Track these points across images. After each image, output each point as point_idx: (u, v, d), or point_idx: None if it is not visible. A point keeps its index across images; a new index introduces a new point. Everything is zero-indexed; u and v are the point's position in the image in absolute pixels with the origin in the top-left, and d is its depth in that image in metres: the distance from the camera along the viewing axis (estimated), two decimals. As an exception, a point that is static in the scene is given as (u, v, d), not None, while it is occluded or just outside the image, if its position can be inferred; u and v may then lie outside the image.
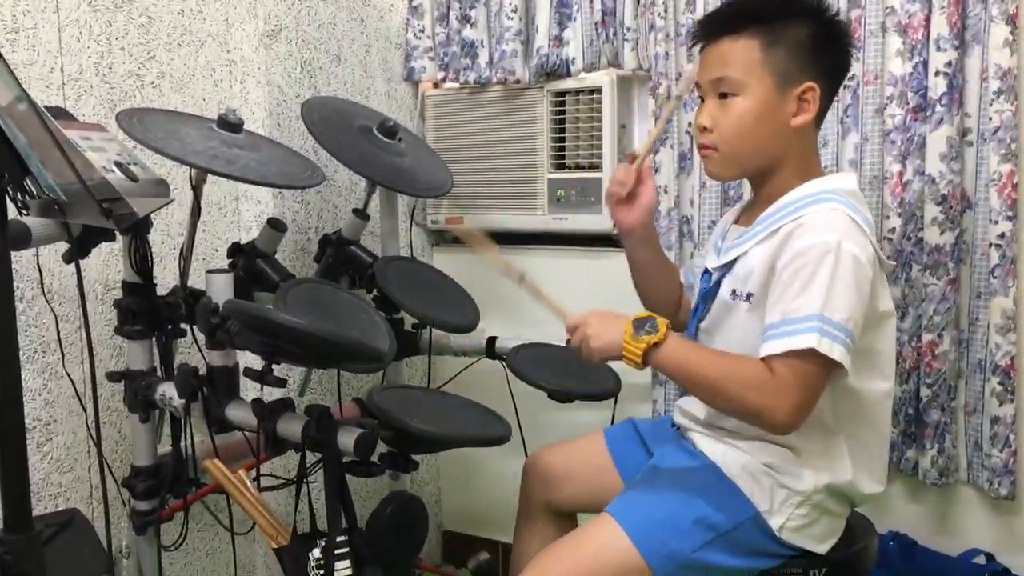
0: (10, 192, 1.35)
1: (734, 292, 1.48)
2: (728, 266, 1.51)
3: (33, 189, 1.31)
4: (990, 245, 1.87)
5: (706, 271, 1.58)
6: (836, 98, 1.96)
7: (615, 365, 1.99)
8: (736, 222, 1.60)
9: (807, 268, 1.34)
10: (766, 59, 1.44)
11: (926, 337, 1.93)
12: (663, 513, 1.46)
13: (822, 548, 1.49)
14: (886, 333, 1.47)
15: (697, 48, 1.54)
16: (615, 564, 1.44)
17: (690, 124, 2.16)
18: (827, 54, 1.47)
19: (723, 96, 1.47)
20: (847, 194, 1.44)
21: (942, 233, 1.90)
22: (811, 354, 1.32)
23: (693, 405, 1.58)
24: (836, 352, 1.32)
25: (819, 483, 1.45)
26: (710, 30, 1.50)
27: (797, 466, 1.45)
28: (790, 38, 1.44)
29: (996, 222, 1.85)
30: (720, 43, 1.48)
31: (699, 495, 1.47)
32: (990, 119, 1.84)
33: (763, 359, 1.36)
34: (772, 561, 1.48)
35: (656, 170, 2.21)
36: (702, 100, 1.53)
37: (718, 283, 1.52)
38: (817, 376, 1.34)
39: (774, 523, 1.45)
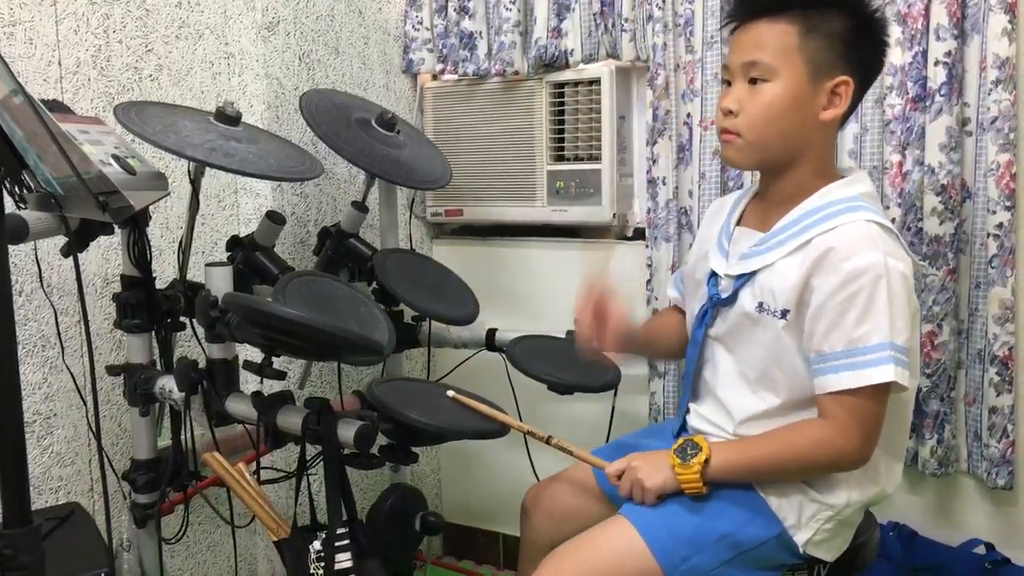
0: (7, 186, 1.35)
1: (761, 305, 1.43)
2: (748, 276, 1.46)
3: (31, 183, 1.31)
4: (988, 235, 1.86)
5: (714, 274, 1.53)
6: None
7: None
8: (740, 223, 1.55)
9: (863, 293, 1.32)
10: (802, 46, 1.39)
11: (926, 327, 1.93)
12: (687, 528, 1.42)
13: (834, 556, 1.47)
14: (917, 332, 1.45)
15: (728, 29, 1.49)
16: (632, 568, 1.41)
17: (689, 115, 2.16)
18: (864, 49, 1.43)
19: (753, 81, 1.42)
20: (868, 198, 1.42)
21: (941, 223, 1.90)
22: (884, 386, 1.31)
23: (716, 412, 1.54)
24: (905, 378, 1.32)
25: (852, 499, 1.42)
26: (748, 10, 1.45)
27: (831, 481, 1.42)
28: (828, 28, 1.40)
29: (994, 212, 1.85)
30: (757, 25, 1.42)
31: (725, 509, 1.43)
32: (988, 109, 1.84)
33: (828, 393, 1.35)
34: (785, 569, 1.47)
35: (654, 162, 2.21)
36: (727, 84, 1.47)
37: (735, 292, 1.47)
38: (881, 406, 1.34)
39: (800, 538, 1.42)
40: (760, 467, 1.42)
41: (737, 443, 1.46)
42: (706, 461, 1.40)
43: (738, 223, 1.56)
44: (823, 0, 1.42)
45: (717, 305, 1.51)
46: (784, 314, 1.41)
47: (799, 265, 1.39)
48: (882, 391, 1.33)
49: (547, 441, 1.58)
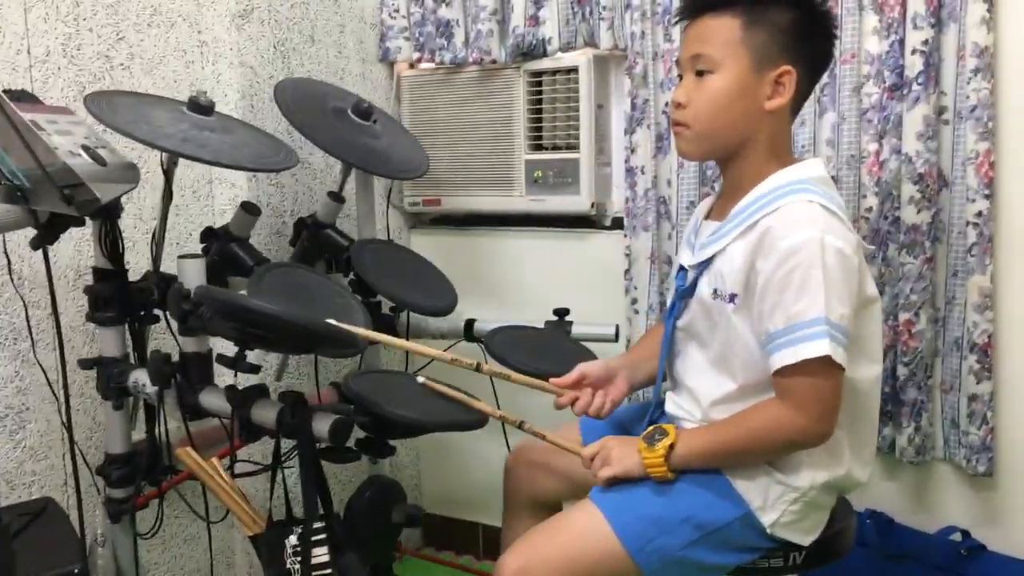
0: (-27, 178, 1.33)
1: (716, 292, 1.46)
2: (705, 264, 1.49)
3: (-3, 175, 1.29)
4: (967, 224, 1.86)
5: (682, 268, 1.57)
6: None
7: (594, 347, 2.00)
8: (708, 217, 1.58)
9: (799, 269, 1.33)
10: (745, 39, 1.42)
11: (903, 316, 1.94)
12: (652, 510, 1.44)
13: (808, 540, 1.48)
14: (873, 317, 1.46)
15: (680, 25, 1.53)
16: (598, 551, 1.43)
17: (667, 105, 2.15)
18: (808, 40, 1.46)
19: (700, 74, 1.46)
20: (817, 181, 1.43)
21: (918, 212, 1.90)
22: (822, 360, 1.32)
23: (686, 399, 1.56)
24: (839, 355, 1.33)
25: (816, 480, 1.43)
26: (693, 7, 1.49)
27: (795, 462, 1.43)
28: (771, 20, 1.43)
29: (973, 200, 1.85)
30: (702, 20, 1.47)
31: (689, 491, 1.45)
32: (967, 97, 1.84)
33: (776, 372, 1.36)
34: (759, 554, 1.47)
35: (632, 151, 2.20)
36: (680, 78, 1.51)
37: (695, 281, 1.50)
38: (831, 381, 1.35)
39: (766, 520, 1.43)
40: (723, 452, 1.44)
41: (702, 430, 1.48)
42: (671, 447, 1.42)
43: (706, 218, 1.59)
44: None
45: (683, 296, 1.54)
46: (733, 298, 1.43)
47: (745, 248, 1.41)
48: (828, 365, 1.33)
49: (520, 426, 1.58)
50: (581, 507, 1.48)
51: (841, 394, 1.37)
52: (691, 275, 1.52)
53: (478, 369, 1.62)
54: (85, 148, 1.47)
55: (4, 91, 1.58)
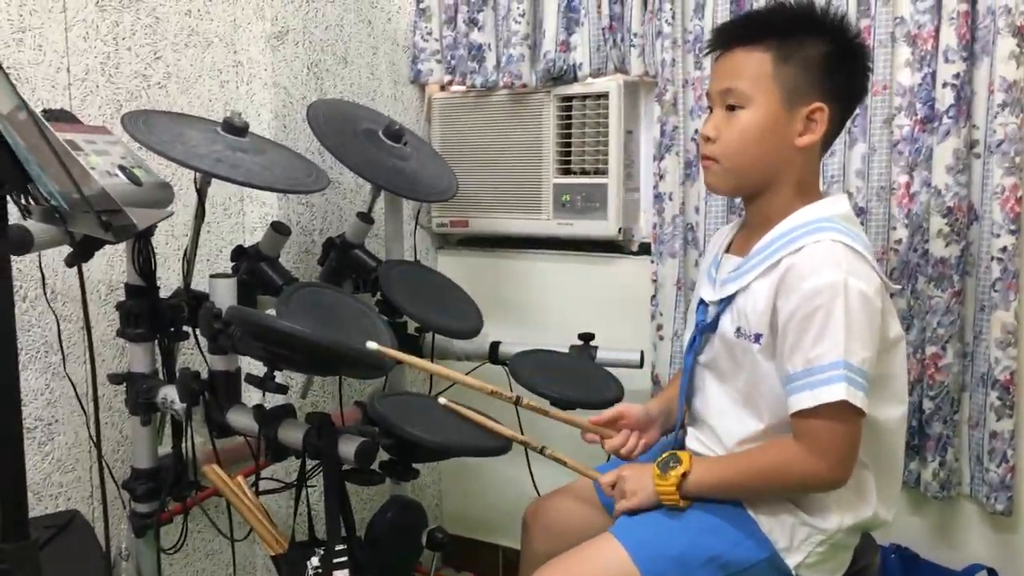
0: (13, 196, 1.35)
1: (739, 330, 1.45)
2: (728, 300, 1.48)
3: (37, 195, 1.31)
4: (992, 258, 1.85)
5: (702, 302, 1.55)
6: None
7: (618, 372, 2.00)
8: (729, 250, 1.57)
9: (820, 312, 1.32)
10: (776, 74, 1.41)
11: (930, 349, 1.92)
12: (675, 548, 1.42)
13: None
14: (898, 357, 1.45)
15: (712, 56, 1.53)
16: None
17: (696, 132, 2.15)
18: (841, 75, 1.44)
19: (730, 108, 1.45)
20: (842, 219, 1.42)
21: (947, 245, 1.89)
22: (840, 404, 1.31)
23: (709, 437, 1.54)
24: (858, 399, 1.32)
25: (844, 523, 1.42)
26: (725, 39, 1.48)
27: (823, 505, 1.42)
28: (804, 55, 1.42)
29: (998, 235, 1.84)
30: (733, 53, 1.46)
31: (714, 530, 1.44)
32: (995, 132, 1.83)
33: (794, 414, 1.35)
34: None
35: (661, 177, 2.21)
36: (710, 110, 1.51)
37: (717, 317, 1.49)
38: (849, 426, 1.34)
39: (791, 561, 1.42)
40: (734, 484, 1.45)
41: (715, 460, 1.49)
42: (684, 475, 1.42)
43: (726, 251, 1.58)
44: (799, 28, 1.43)
45: (704, 332, 1.53)
46: (758, 338, 1.42)
47: (768, 287, 1.40)
48: (845, 410, 1.32)
49: (541, 451, 1.60)
50: (603, 541, 1.46)
51: (858, 440, 1.36)
52: (712, 311, 1.51)
53: (518, 403, 1.62)
54: (121, 168, 1.50)
55: (43, 111, 1.61)
